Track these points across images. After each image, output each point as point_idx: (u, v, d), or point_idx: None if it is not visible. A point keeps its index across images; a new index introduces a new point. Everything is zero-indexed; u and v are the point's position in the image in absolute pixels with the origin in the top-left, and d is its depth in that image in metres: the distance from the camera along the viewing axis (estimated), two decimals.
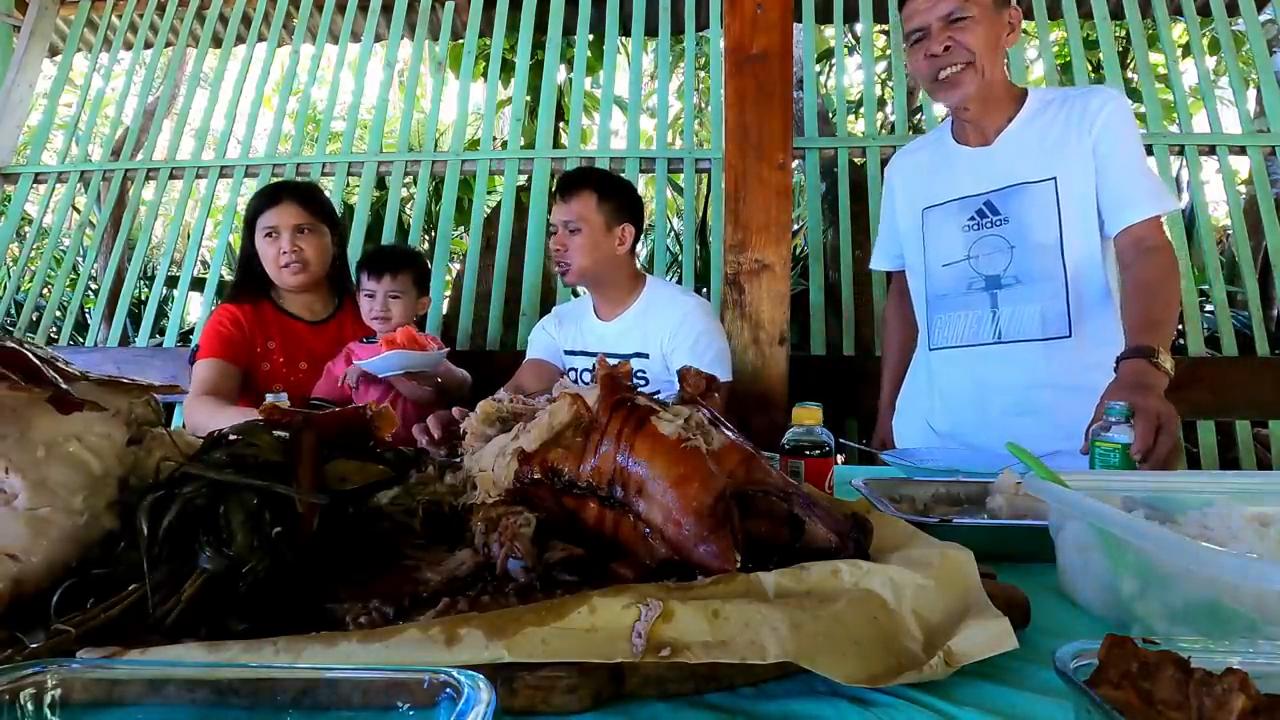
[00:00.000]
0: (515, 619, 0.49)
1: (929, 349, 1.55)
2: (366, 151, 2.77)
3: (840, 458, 1.57)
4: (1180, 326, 2.38)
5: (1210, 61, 3.37)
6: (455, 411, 1.13)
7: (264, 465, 0.62)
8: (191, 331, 3.35)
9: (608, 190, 1.70)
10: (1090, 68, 3.09)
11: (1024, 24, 2.34)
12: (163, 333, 2.83)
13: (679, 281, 3.05)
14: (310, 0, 2.94)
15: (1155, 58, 3.08)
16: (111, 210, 2.99)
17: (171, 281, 3.10)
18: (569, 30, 2.83)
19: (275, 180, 2.35)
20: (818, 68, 4.00)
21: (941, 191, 1.50)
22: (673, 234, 4.51)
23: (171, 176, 2.87)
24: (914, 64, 1.45)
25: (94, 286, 3.91)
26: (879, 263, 1.74)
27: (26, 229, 3.70)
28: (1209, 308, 2.61)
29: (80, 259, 3.33)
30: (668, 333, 1.69)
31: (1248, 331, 2.33)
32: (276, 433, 0.66)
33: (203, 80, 3.48)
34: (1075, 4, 2.60)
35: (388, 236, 2.77)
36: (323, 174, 2.73)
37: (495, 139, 3.13)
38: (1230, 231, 2.75)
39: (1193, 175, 2.42)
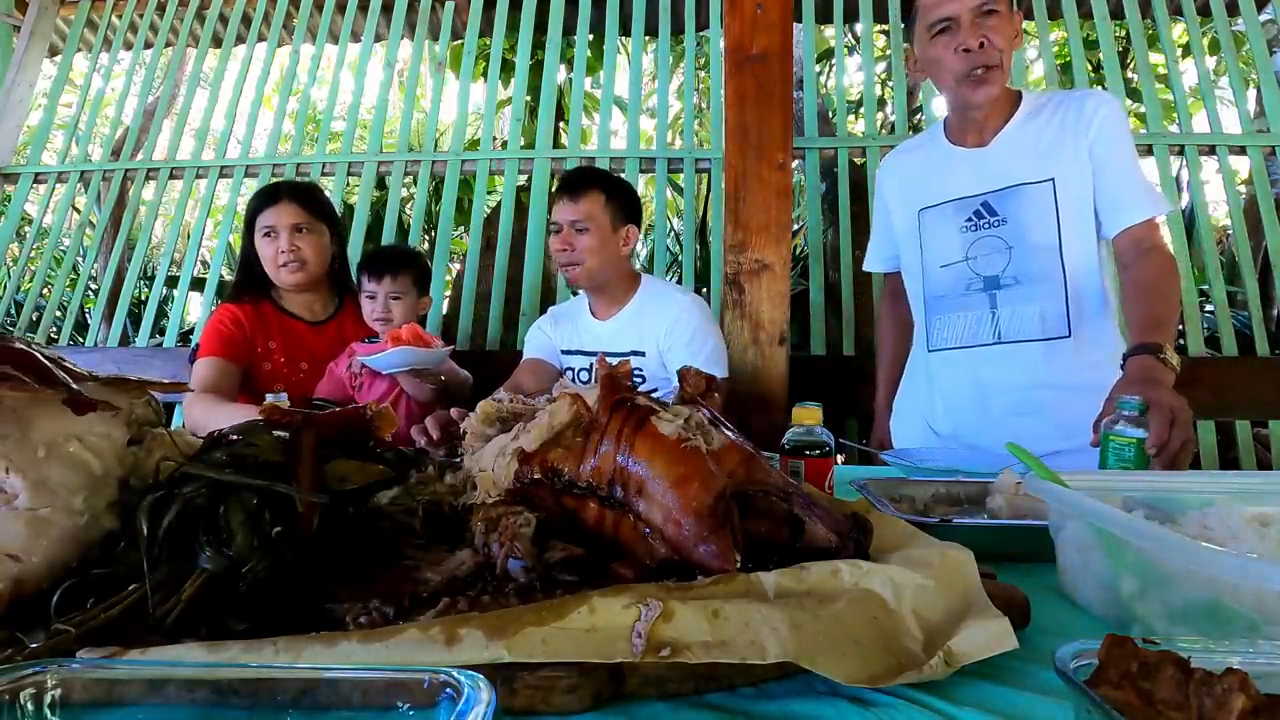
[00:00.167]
0: (515, 619, 0.49)
1: (927, 350, 1.55)
2: (366, 151, 2.77)
3: (840, 458, 1.57)
4: (1180, 326, 2.38)
5: (1210, 61, 3.37)
6: (454, 412, 1.13)
7: (264, 465, 0.62)
8: (191, 331, 3.35)
9: (614, 191, 1.70)
10: (1090, 68, 3.09)
11: (1024, 24, 2.35)
12: (163, 333, 2.83)
13: (679, 281, 3.05)
14: (310, 0, 2.94)
15: (1155, 58, 3.08)
16: (111, 210, 2.99)
17: (171, 281, 3.10)
18: (569, 30, 2.83)
19: (275, 180, 2.35)
20: (818, 68, 4.00)
21: (938, 192, 1.49)
22: (673, 234, 4.51)
23: (171, 176, 2.87)
24: (938, 57, 1.39)
25: (94, 286, 3.91)
26: (873, 264, 1.73)
27: (26, 229, 3.70)
28: (1209, 308, 2.61)
29: (80, 259, 3.33)
30: (663, 330, 1.69)
31: (1248, 331, 2.33)
32: (276, 433, 0.66)
33: (203, 80, 3.48)
34: (1075, 4, 2.60)
35: (388, 236, 2.77)
36: (323, 174, 2.73)
37: (495, 139, 3.13)
38: (1230, 231, 2.75)
39: (1193, 175, 2.42)
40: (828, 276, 2.60)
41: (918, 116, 3.29)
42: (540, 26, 2.77)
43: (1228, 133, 2.42)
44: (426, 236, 3.49)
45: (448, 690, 0.38)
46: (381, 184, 2.96)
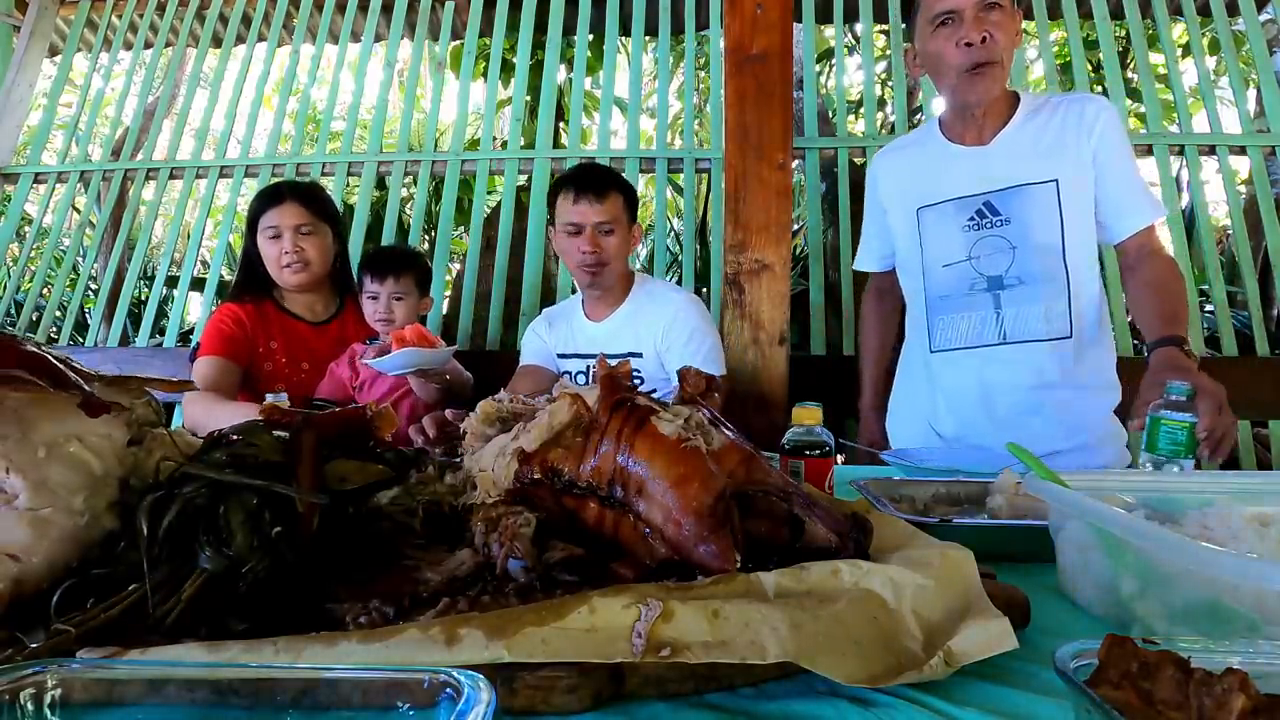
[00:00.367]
0: (515, 619, 0.49)
1: (930, 351, 1.53)
2: (366, 151, 2.77)
3: (840, 458, 1.56)
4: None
5: (1210, 61, 3.37)
6: (450, 413, 1.13)
7: (264, 465, 0.62)
8: (191, 331, 3.35)
9: (628, 190, 1.71)
10: (1090, 68, 3.09)
11: (1024, 24, 2.34)
12: (163, 333, 2.83)
13: (679, 282, 3.05)
14: (310, 0, 2.94)
15: (1155, 58, 3.07)
16: (111, 210, 2.99)
17: (171, 281, 3.10)
18: (569, 30, 2.83)
19: (276, 180, 2.35)
20: (818, 68, 4.00)
21: (937, 191, 1.48)
22: (673, 234, 4.51)
23: (171, 176, 2.87)
24: (939, 50, 1.38)
25: (94, 286, 3.91)
26: (867, 263, 1.71)
27: (26, 229, 3.70)
28: (1209, 308, 2.61)
29: (80, 259, 3.33)
30: (660, 330, 1.68)
31: (1248, 331, 2.33)
32: (276, 433, 0.66)
33: (203, 80, 3.48)
34: (1075, 4, 2.60)
35: (388, 236, 2.77)
36: (323, 174, 2.73)
37: (495, 139, 3.13)
38: (1230, 231, 2.75)
39: (1193, 175, 2.42)
40: (828, 276, 2.60)
41: (918, 116, 3.29)
42: (540, 26, 2.77)
43: (1228, 133, 2.42)
44: (426, 236, 3.49)
45: (448, 690, 0.38)
46: (381, 184, 2.96)
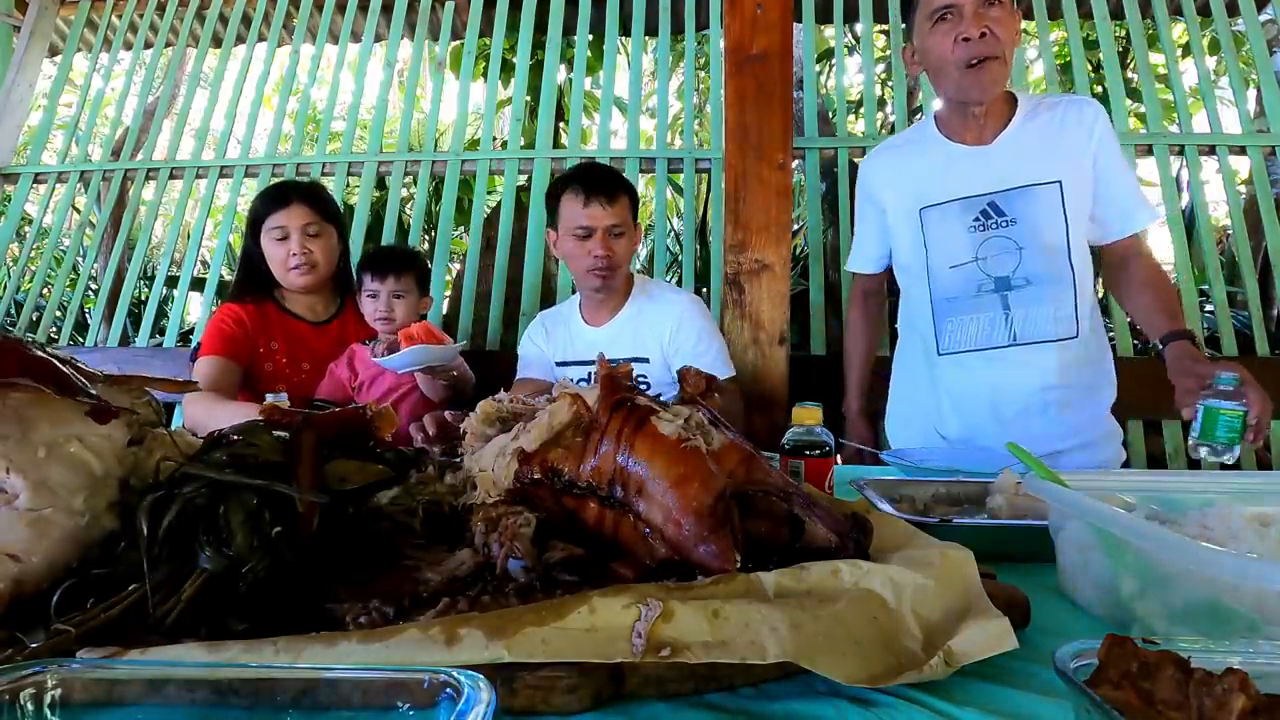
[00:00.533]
0: (515, 619, 0.49)
1: (937, 354, 1.50)
2: (366, 151, 2.77)
3: (840, 458, 1.56)
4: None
5: (1210, 61, 3.37)
6: (449, 415, 1.12)
7: (264, 465, 0.62)
8: (191, 331, 3.35)
9: (632, 191, 1.69)
10: (1090, 68, 3.09)
11: (1023, 24, 2.34)
12: (163, 333, 2.83)
13: (678, 282, 3.05)
14: (310, 0, 2.94)
15: (1155, 58, 3.07)
16: (111, 210, 2.99)
17: (171, 281, 3.10)
18: (569, 30, 2.83)
19: (277, 180, 2.35)
20: (818, 68, 4.00)
21: (940, 191, 1.46)
22: (673, 234, 4.51)
23: (171, 176, 2.87)
24: (937, 46, 1.37)
25: (94, 286, 3.91)
26: (861, 265, 1.68)
27: (26, 229, 3.70)
28: (1209, 308, 2.61)
29: (80, 259, 3.33)
30: (666, 334, 1.66)
31: (1248, 331, 2.33)
32: (276, 433, 0.66)
33: (203, 80, 3.48)
34: (1075, 4, 2.60)
35: (388, 236, 2.77)
36: (323, 174, 2.73)
37: (495, 139, 3.13)
38: (1230, 231, 2.75)
39: (1193, 175, 2.42)
40: (828, 276, 2.60)
41: (918, 116, 3.29)
42: (540, 26, 2.77)
43: (1228, 133, 2.42)
44: (426, 236, 3.49)
45: (448, 690, 0.38)
46: (381, 184, 2.96)
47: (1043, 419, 1.42)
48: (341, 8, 2.93)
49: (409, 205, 3.32)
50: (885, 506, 0.85)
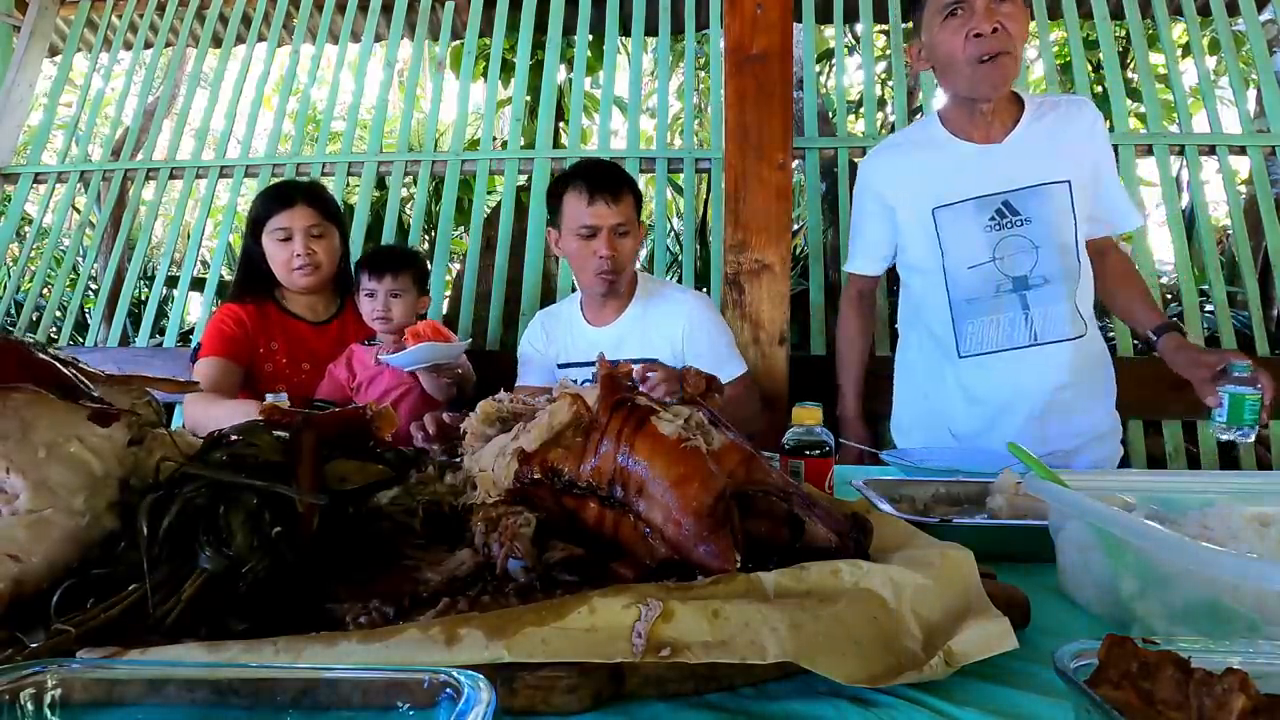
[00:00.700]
0: (515, 619, 0.49)
1: (957, 356, 1.48)
2: (366, 151, 2.77)
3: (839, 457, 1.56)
4: (1180, 326, 2.37)
5: (1210, 61, 3.37)
6: (447, 416, 1.12)
7: (264, 465, 0.62)
8: (191, 331, 3.35)
9: (636, 189, 1.66)
10: (1090, 68, 3.09)
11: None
12: (163, 333, 2.83)
13: (678, 282, 3.04)
14: (310, 0, 2.94)
15: (1155, 58, 3.07)
16: (111, 210, 2.99)
17: (171, 281, 3.10)
18: (569, 30, 2.83)
19: (277, 180, 2.35)
20: (818, 68, 4.00)
21: (953, 190, 1.44)
22: (673, 234, 4.51)
23: (171, 176, 2.87)
24: (947, 41, 1.35)
25: (94, 286, 3.90)
26: (864, 266, 1.64)
27: (26, 229, 3.70)
28: (1209, 308, 2.61)
29: (80, 259, 3.33)
30: (679, 335, 1.62)
31: (1248, 331, 2.33)
32: (276, 433, 0.66)
33: (203, 80, 3.48)
34: (1075, 4, 2.60)
35: (388, 236, 2.76)
36: (323, 174, 2.73)
37: (495, 139, 3.13)
38: (1230, 231, 2.75)
39: (1193, 175, 2.42)
40: (828, 276, 2.60)
41: (918, 116, 3.28)
42: (540, 26, 2.77)
43: (1228, 133, 2.42)
44: (426, 236, 3.49)
45: (448, 690, 0.38)
46: (381, 184, 2.96)
47: (1060, 417, 1.43)
48: (341, 8, 2.93)
49: (409, 205, 3.32)
50: (885, 506, 0.85)
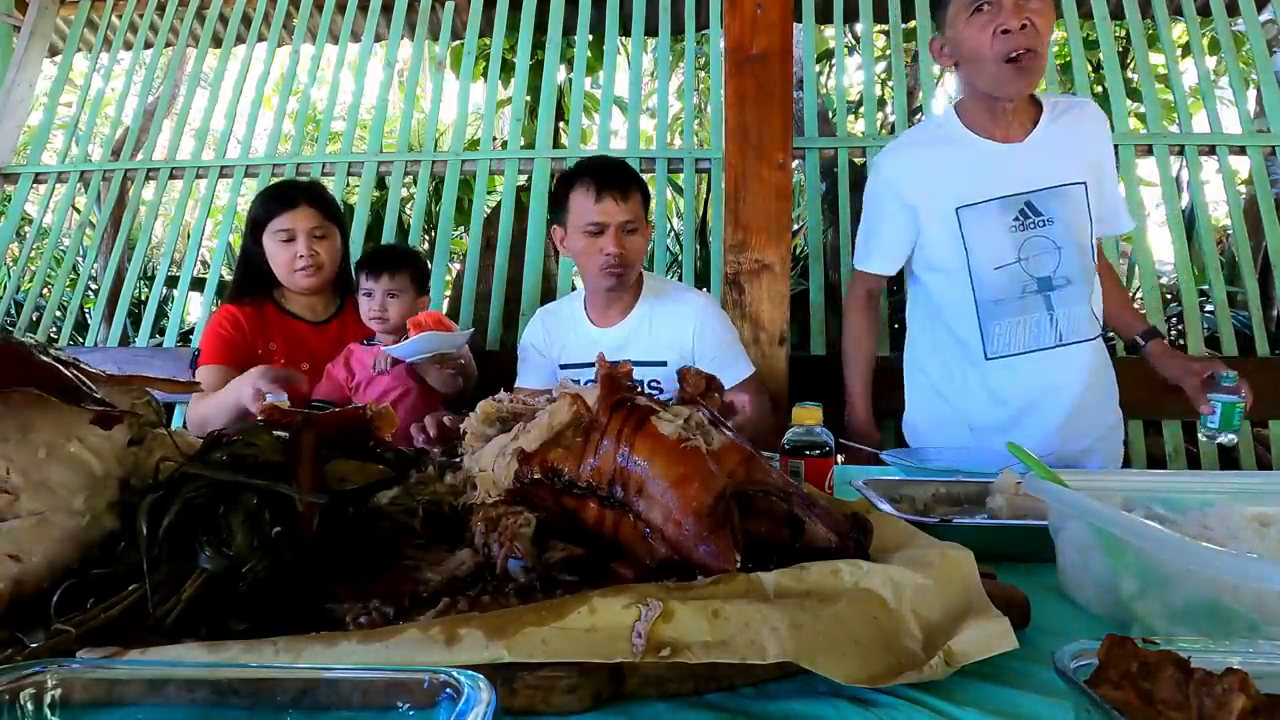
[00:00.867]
0: (515, 619, 0.49)
1: (984, 358, 1.46)
2: (366, 151, 2.77)
3: (840, 457, 1.55)
4: (1180, 327, 2.38)
5: (1210, 61, 3.37)
6: (447, 418, 1.12)
7: (264, 465, 0.62)
8: (191, 332, 3.35)
9: (644, 186, 1.63)
10: (1090, 68, 3.09)
11: None
12: (163, 333, 2.83)
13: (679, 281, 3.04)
14: (310, 0, 2.94)
15: (1155, 58, 3.07)
16: (111, 210, 2.99)
17: (171, 281, 3.10)
18: (569, 30, 2.82)
19: (277, 180, 2.35)
20: (818, 68, 4.00)
21: (977, 190, 1.42)
22: (673, 234, 4.51)
23: (171, 176, 2.86)
24: (974, 37, 1.33)
25: (94, 286, 3.90)
26: (879, 265, 1.60)
27: (26, 229, 3.70)
28: (1209, 308, 2.61)
29: (80, 259, 3.32)
30: (688, 337, 1.60)
31: (1248, 331, 2.33)
32: (276, 433, 0.66)
33: (203, 80, 3.47)
34: (1075, 4, 2.60)
35: (388, 236, 2.76)
36: (323, 174, 2.73)
37: (495, 139, 3.13)
38: (1230, 231, 2.75)
39: (1193, 175, 2.42)
40: (828, 276, 2.60)
41: (918, 116, 3.29)
42: (540, 26, 2.77)
43: (1228, 133, 2.42)
44: (426, 236, 3.49)
45: (448, 690, 0.38)
46: (381, 184, 2.96)
47: (1080, 416, 1.44)
48: (341, 8, 2.93)
49: (409, 205, 3.32)
50: (885, 506, 0.85)
